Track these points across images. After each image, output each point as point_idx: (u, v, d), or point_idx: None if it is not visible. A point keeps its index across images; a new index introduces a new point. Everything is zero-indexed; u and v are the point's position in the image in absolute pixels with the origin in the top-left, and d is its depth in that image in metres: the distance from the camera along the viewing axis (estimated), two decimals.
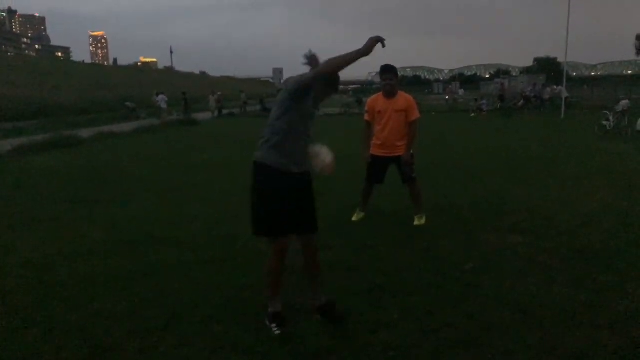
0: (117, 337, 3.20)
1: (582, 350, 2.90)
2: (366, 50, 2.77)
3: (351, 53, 2.81)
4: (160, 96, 29.20)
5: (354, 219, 5.86)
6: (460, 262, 4.35)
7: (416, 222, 5.62)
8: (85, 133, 17.61)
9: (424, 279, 4.02)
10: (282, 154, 3.12)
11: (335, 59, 2.86)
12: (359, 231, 5.40)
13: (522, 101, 29.22)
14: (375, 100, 5.58)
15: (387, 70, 5.36)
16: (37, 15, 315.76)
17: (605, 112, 16.27)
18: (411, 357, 2.88)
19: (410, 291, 3.79)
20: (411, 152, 5.54)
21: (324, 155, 3.44)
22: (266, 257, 4.57)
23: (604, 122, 15.30)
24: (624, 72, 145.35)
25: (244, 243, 5.09)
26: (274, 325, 3.23)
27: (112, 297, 3.83)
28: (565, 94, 25.76)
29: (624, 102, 17.21)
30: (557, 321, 3.26)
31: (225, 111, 33.79)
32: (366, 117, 5.70)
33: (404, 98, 5.47)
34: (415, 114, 5.46)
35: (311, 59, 3.07)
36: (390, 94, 5.41)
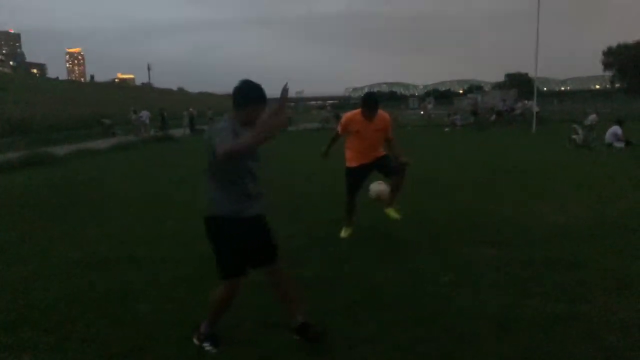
0: (90, 359, 3.15)
1: None
2: (269, 136, 2.84)
3: (255, 136, 2.82)
4: (144, 112, 29.34)
5: (342, 235, 5.80)
6: (436, 276, 4.41)
7: (394, 215, 5.78)
8: (61, 150, 17.34)
9: (401, 293, 4.06)
10: (230, 202, 3.11)
11: (241, 144, 2.85)
12: (336, 246, 5.43)
13: (494, 116, 29.78)
14: (352, 119, 5.56)
15: (372, 106, 5.40)
16: (12, 31, 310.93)
17: (575, 126, 16.72)
18: None
19: (388, 306, 3.82)
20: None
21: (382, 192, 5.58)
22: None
23: (574, 136, 15.71)
24: (592, 86, 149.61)
25: None
26: (207, 344, 3.23)
27: (86, 318, 3.77)
28: (536, 109, 26.35)
29: (592, 117, 17.74)
30: (531, 333, 3.32)
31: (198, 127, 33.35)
32: (339, 130, 5.71)
33: (381, 118, 5.50)
34: (391, 134, 5.61)
35: (283, 93, 3.09)
36: (369, 119, 5.46)
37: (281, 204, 7.82)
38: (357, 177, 5.69)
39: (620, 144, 14.78)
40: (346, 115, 5.75)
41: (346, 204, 5.85)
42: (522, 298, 3.90)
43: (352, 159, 5.66)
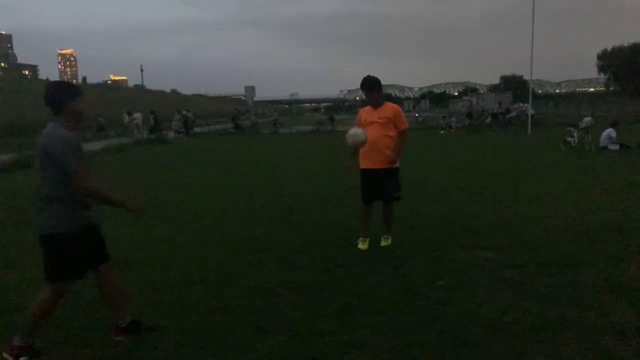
0: None
1: None
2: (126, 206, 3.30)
3: (115, 200, 3.24)
4: (137, 114, 29.58)
5: (360, 246, 5.42)
6: (430, 280, 4.38)
7: (383, 243, 5.52)
8: None
9: (395, 298, 4.02)
10: (75, 217, 3.14)
11: (102, 194, 3.17)
12: (329, 251, 5.38)
13: (489, 118, 29.85)
14: (363, 109, 5.55)
15: (368, 88, 5.34)
16: (3, 32, 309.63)
17: (570, 128, 16.75)
18: None
19: (381, 310, 3.78)
20: (396, 165, 5.39)
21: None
22: (236, 278, 4.54)
23: (569, 139, 15.74)
24: (587, 89, 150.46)
25: (214, 265, 5.02)
26: (23, 358, 3.12)
27: (76, 323, 3.71)
28: (531, 111, 26.44)
29: (587, 119, 17.75)
30: (526, 336, 3.29)
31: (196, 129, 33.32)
32: (357, 126, 5.51)
33: (390, 107, 5.39)
34: (404, 124, 5.42)
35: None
36: (376, 106, 5.36)
37: (273, 208, 7.79)
38: (367, 182, 5.44)
39: (614, 147, 14.81)
40: (361, 110, 5.68)
41: (361, 211, 5.63)
42: (516, 301, 3.87)
43: (362, 157, 5.43)
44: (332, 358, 3.11)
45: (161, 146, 22.90)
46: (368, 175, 5.42)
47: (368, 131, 5.29)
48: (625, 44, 78.26)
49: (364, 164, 5.42)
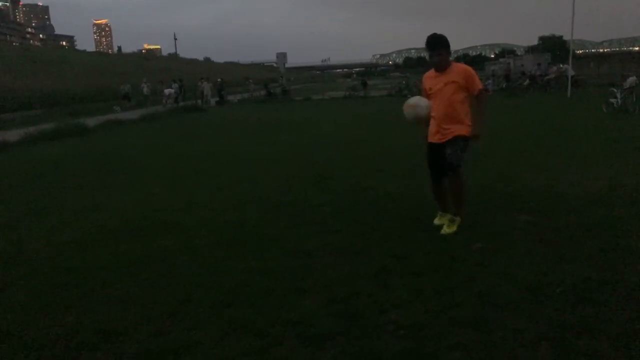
0: (128, 322, 3.24)
1: (591, 325, 2.91)
2: None
3: None
4: (174, 85, 30.14)
5: (436, 222, 4.92)
6: (468, 243, 4.36)
7: (438, 222, 4.86)
8: (91, 121, 17.64)
9: (433, 260, 4.03)
10: None
11: None
12: (366, 215, 5.40)
13: (527, 81, 28.93)
14: (426, 75, 4.82)
15: (431, 47, 4.60)
16: (40, 4, 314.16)
17: (613, 89, 16.10)
18: (421, 336, 2.90)
19: (419, 272, 3.80)
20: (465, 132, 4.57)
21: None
22: (274, 241, 4.64)
23: (611, 100, 15.14)
24: (631, 48, 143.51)
25: (251, 228, 5.13)
26: None
27: (122, 283, 3.87)
28: (571, 73, 25.46)
29: (631, 79, 17.03)
30: (567, 298, 3.26)
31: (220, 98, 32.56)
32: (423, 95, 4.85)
33: (458, 68, 4.63)
34: (478, 84, 4.59)
35: None
36: (440, 69, 4.63)
37: (308, 173, 7.83)
38: (430, 156, 4.82)
39: None
40: (424, 75, 4.93)
41: (431, 188, 5.02)
42: (556, 264, 3.83)
43: (429, 129, 4.77)
44: (371, 317, 3.16)
45: (196, 114, 23.15)
46: (429, 148, 4.81)
47: (434, 97, 4.62)
48: None
49: (431, 137, 4.75)
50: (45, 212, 6.17)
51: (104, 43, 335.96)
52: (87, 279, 3.97)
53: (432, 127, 4.71)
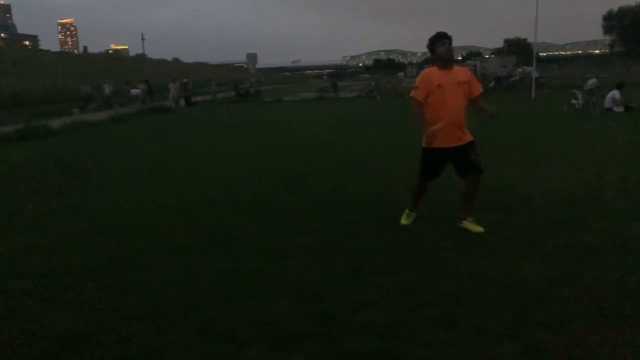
0: (92, 328, 3.17)
1: (552, 321, 3.00)
2: None
3: None
4: (140, 86, 30.06)
5: (403, 221, 4.94)
6: (438, 242, 4.44)
7: (476, 229, 4.65)
8: (56, 123, 17.18)
9: (404, 260, 4.09)
10: None
11: None
12: (340, 215, 5.43)
13: (493, 82, 29.54)
14: (431, 73, 4.55)
15: (446, 36, 4.51)
16: (2, 2, 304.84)
17: (574, 91, 16.59)
18: (392, 336, 2.94)
19: (390, 271, 3.85)
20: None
21: None
22: (247, 242, 4.63)
23: (573, 101, 15.61)
24: (592, 51, 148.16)
25: (224, 229, 5.10)
26: None
27: (88, 288, 3.79)
28: (535, 74, 26.13)
29: (592, 81, 17.61)
30: (530, 295, 3.36)
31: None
32: (417, 93, 4.54)
33: (461, 70, 4.66)
34: (479, 87, 4.67)
35: None
36: (448, 63, 4.52)
37: (282, 174, 7.83)
38: (434, 163, 4.71)
39: (619, 109, 14.72)
40: (422, 75, 4.70)
41: (416, 186, 4.92)
42: (522, 261, 3.93)
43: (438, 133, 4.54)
44: (343, 317, 3.18)
45: (163, 115, 22.84)
46: (435, 153, 4.62)
47: (446, 93, 4.46)
48: (632, 4, 76.61)
49: (444, 142, 4.56)
50: (6, 216, 5.99)
51: (70, 43, 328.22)
52: (51, 285, 3.88)
53: (447, 130, 4.53)
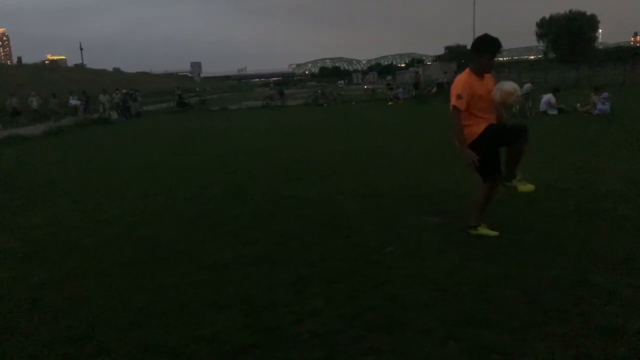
0: (24, 354, 3.00)
1: (495, 320, 3.07)
2: None
3: None
4: (75, 97, 28.98)
5: (491, 234, 4.60)
6: (381, 247, 4.48)
7: (524, 188, 4.58)
8: None
9: (347, 266, 4.10)
10: None
11: None
12: (284, 224, 5.40)
13: (434, 88, 30.36)
14: (469, 82, 4.34)
15: (499, 47, 4.39)
16: None
17: None
18: (335, 343, 2.93)
19: (334, 279, 3.85)
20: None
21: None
22: (189, 256, 4.51)
23: None
24: (527, 57, 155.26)
25: (165, 243, 4.96)
26: None
27: (20, 311, 3.59)
28: None
29: (528, 86, 18.35)
30: (472, 295, 3.43)
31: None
32: (460, 103, 4.29)
33: (488, 76, 4.50)
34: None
35: None
36: (483, 73, 4.42)
37: (225, 183, 7.72)
38: (493, 157, 4.58)
39: (553, 111, 15.44)
40: (458, 82, 4.40)
41: (481, 195, 4.70)
42: (464, 262, 4.02)
43: (480, 124, 4.39)
44: (286, 328, 3.15)
45: (104, 127, 22.11)
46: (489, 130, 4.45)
47: (483, 101, 4.36)
48: (563, 12, 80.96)
49: (483, 125, 4.42)
50: None
51: (2, 53, 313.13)
52: None
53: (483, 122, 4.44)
